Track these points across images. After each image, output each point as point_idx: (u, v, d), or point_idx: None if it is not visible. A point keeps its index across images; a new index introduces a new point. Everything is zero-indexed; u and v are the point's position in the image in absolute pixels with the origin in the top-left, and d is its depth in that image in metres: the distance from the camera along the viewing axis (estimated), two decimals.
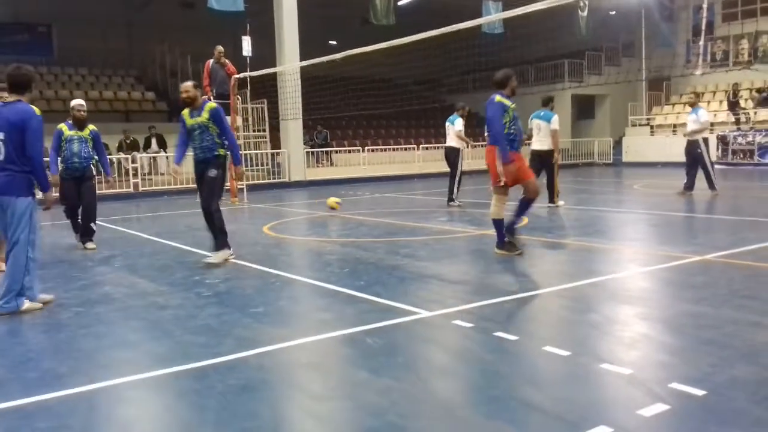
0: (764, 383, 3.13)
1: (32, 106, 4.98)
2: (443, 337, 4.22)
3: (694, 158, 12.12)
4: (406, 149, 22.82)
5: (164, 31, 24.27)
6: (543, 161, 10.92)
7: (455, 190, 11.70)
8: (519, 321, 4.55)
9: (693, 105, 12.77)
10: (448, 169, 12.08)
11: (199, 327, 4.46)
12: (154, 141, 19.12)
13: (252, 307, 4.96)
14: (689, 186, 12.16)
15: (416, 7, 23.32)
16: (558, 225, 9.33)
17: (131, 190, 16.43)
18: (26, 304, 4.97)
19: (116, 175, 14.19)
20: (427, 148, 22.25)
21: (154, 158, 18.36)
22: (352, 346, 4.00)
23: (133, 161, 16.98)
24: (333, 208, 11.47)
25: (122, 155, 17.52)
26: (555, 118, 10.94)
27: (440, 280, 5.76)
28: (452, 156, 11.96)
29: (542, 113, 11.02)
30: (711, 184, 12.06)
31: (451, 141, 12.06)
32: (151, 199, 15.81)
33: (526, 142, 13.35)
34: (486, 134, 7.41)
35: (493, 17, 16.83)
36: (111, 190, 13.15)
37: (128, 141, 18.48)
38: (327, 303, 5.11)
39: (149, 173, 17.71)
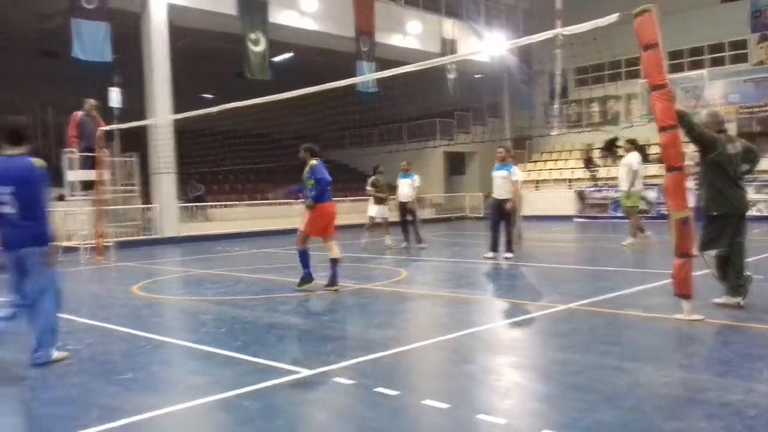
0: (626, 425, 3.35)
1: (32, 157, 4.91)
2: (324, 395, 4.16)
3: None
4: (285, 203, 22.70)
5: (23, 80, 22.90)
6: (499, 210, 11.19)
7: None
8: (399, 375, 4.58)
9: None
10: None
11: (60, 398, 4.10)
12: None
13: (118, 374, 4.64)
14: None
15: (291, 63, 23.68)
16: (435, 278, 9.59)
17: None
18: (55, 354, 4.96)
19: None
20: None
21: None
22: (228, 411, 3.84)
23: None
24: None
25: None
26: (515, 169, 11.31)
27: (320, 337, 5.70)
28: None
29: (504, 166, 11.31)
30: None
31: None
32: None
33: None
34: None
35: (365, 77, 17.43)
36: None
37: None
38: (202, 366, 4.89)
39: None
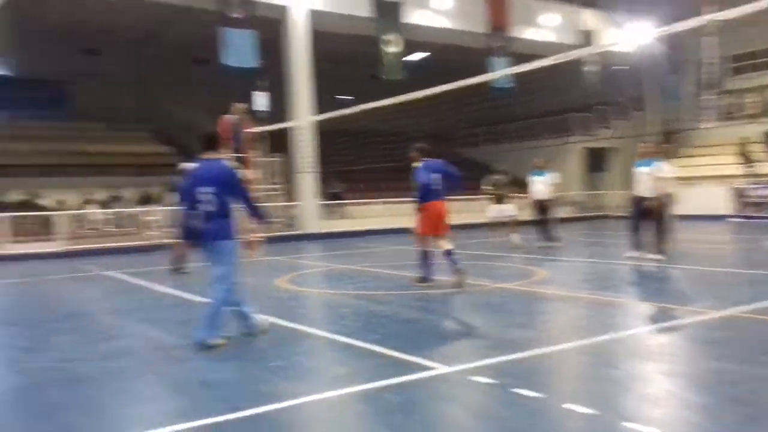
0: None
1: (227, 160, 5.43)
2: (462, 393, 4.17)
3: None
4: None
5: (178, 86, 24.87)
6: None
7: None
8: (539, 377, 4.49)
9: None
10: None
11: (219, 381, 4.44)
12: (170, 194, 19.37)
13: (269, 361, 4.95)
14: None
15: (423, 62, 23.86)
16: (574, 279, 9.28)
17: (149, 242, 16.46)
18: (216, 340, 5.29)
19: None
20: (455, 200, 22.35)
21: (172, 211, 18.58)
22: (368, 402, 3.97)
23: (151, 214, 17.15)
24: None
25: (139, 208, 17.76)
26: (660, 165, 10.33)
27: (457, 334, 5.73)
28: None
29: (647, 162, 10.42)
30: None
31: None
32: (168, 251, 15.77)
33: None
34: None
35: (499, 73, 17.17)
36: (128, 243, 13.26)
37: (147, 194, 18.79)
38: (343, 357, 5.09)
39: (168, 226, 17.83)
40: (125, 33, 21.85)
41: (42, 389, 4.47)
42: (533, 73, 9.30)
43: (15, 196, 18.00)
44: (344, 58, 24.05)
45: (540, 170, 13.68)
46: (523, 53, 21.15)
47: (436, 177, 8.13)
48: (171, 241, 10.75)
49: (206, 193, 5.29)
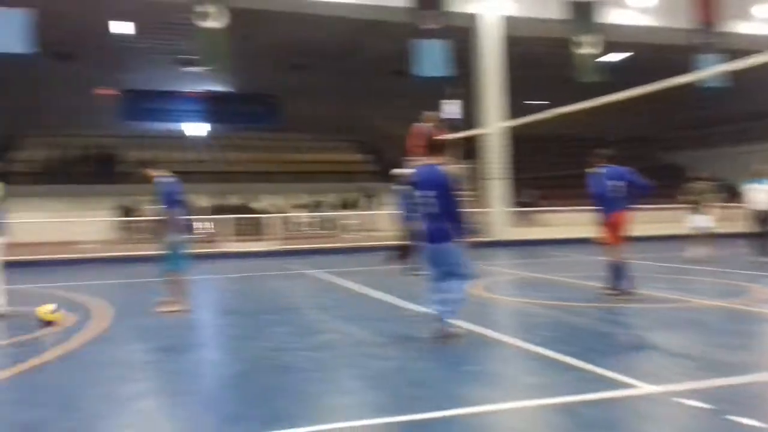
0: None
1: (446, 167, 5.77)
2: (669, 416, 3.90)
3: None
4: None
5: (377, 98, 26.06)
6: None
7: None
8: (759, 405, 4.06)
9: None
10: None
11: (415, 381, 4.61)
12: (367, 200, 20.47)
13: (463, 365, 5.03)
14: None
15: (620, 62, 22.59)
16: None
17: (347, 244, 17.43)
18: (450, 329, 5.68)
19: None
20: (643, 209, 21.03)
21: (369, 216, 19.58)
22: (564, 416, 3.87)
23: (349, 218, 18.21)
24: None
25: (340, 212, 18.94)
26: None
27: (660, 352, 5.36)
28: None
29: None
30: None
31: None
32: (365, 253, 16.61)
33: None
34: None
35: (709, 71, 15.69)
36: (329, 244, 14.14)
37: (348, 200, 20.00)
38: (536, 367, 5.01)
39: (365, 230, 18.82)
40: (328, 49, 23.40)
41: (257, 375, 4.96)
42: (751, 71, 8.38)
43: (234, 200, 20.10)
44: (536, 62, 23.59)
45: (761, 178, 12.31)
46: (738, 49, 19.22)
47: (614, 184, 7.74)
48: (397, 243, 11.32)
49: (427, 197, 5.56)
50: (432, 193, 5.56)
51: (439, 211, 5.55)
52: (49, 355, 5.52)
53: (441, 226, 5.57)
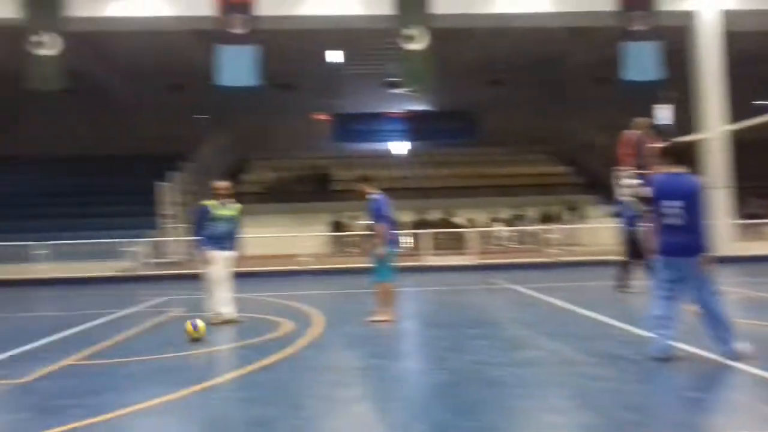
0: None
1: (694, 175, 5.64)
2: None
3: None
4: None
5: (577, 107, 25.15)
6: None
7: None
8: None
9: None
10: None
11: (628, 403, 4.35)
12: (570, 213, 19.79)
13: (686, 390, 4.63)
14: None
15: None
16: None
17: (550, 259, 16.96)
18: (739, 347, 5.35)
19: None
20: None
21: (572, 229, 18.91)
22: None
23: (551, 232, 17.71)
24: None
25: (541, 226, 18.52)
26: None
27: None
28: None
29: None
30: None
31: None
32: (569, 268, 16.05)
33: None
34: None
35: None
36: (530, 259, 13.87)
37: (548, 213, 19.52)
38: None
39: (567, 244, 18.20)
40: (527, 61, 23.11)
41: (462, 387, 4.99)
42: None
43: (435, 215, 20.59)
44: (759, 58, 21.13)
45: None
46: None
47: None
48: (617, 258, 10.91)
49: (673, 207, 5.32)
50: (678, 203, 5.28)
51: (685, 222, 5.28)
52: (273, 358, 6.08)
53: (688, 238, 5.30)
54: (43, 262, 16.10)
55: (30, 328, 8.82)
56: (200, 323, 7.13)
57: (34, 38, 15.52)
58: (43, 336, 7.62)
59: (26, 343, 7.13)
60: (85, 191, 21.48)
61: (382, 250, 7.90)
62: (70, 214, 19.86)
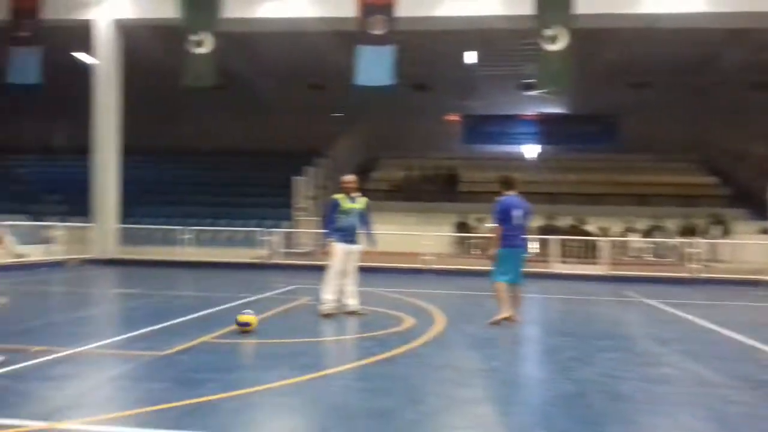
0: None
1: None
2: None
3: None
4: None
5: (730, 114, 23.34)
6: None
7: None
8: None
9: None
10: None
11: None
12: (716, 227, 18.42)
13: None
14: None
15: None
16: None
17: (690, 275, 15.83)
18: None
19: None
20: None
21: (716, 244, 17.58)
22: None
23: (693, 246, 16.50)
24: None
25: (681, 239, 17.37)
26: None
27: None
28: None
29: None
30: None
31: None
32: (710, 286, 14.91)
33: None
34: None
35: None
36: (668, 273, 13.06)
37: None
38: None
39: (710, 260, 16.93)
40: (674, 64, 21.71)
41: (586, 398, 4.80)
42: None
43: (564, 221, 19.88)
44: None
45: None
46: None
47: None
48: None
49: None
50: None
51: None
52: (394, 351, 6.17)
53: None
54: (188, 246, 17.39)
55: (172, 306, 9.57)
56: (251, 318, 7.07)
57: (192, 37, 16.74)
58: (184, 314, 8.23)
59: (169, 320, 7.73)
60: (228, 183, 22.94)
61: (494, 251, 7.79)
62: (214, 203, 21.35)
